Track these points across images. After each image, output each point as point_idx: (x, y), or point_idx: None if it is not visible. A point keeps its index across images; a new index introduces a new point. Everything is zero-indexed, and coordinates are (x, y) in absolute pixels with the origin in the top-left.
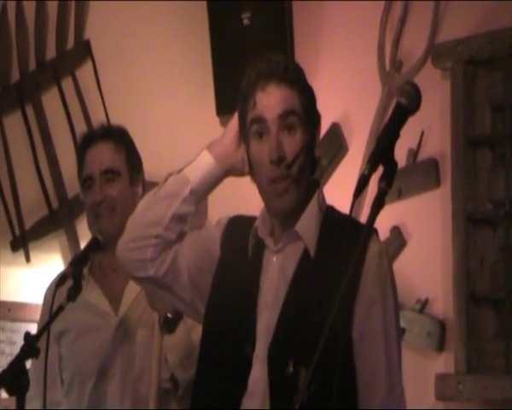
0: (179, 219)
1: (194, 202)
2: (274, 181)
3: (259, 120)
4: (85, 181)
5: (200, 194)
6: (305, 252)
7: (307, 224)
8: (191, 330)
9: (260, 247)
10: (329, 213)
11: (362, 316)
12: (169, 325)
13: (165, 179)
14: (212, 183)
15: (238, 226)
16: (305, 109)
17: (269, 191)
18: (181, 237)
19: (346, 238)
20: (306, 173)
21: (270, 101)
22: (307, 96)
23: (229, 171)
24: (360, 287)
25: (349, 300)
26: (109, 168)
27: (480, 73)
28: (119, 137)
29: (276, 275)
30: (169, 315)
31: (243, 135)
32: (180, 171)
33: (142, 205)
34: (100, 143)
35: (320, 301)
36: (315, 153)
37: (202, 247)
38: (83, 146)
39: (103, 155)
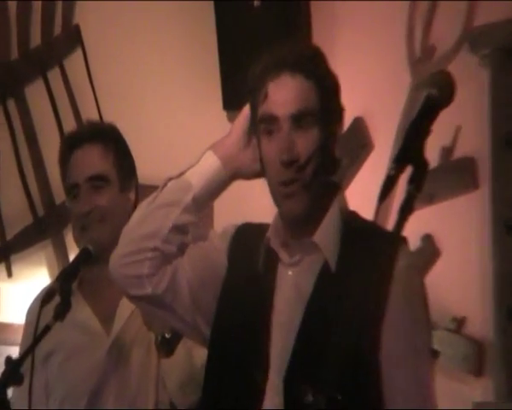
0: (180, 229)
1: (196, 210)
2: (283, 183)
3: (270, 118)
4: (70, 190)
5: (204, 201)
6: (325, 265)
7: (327, 233)
8: (192, 352)
9: (273, 260)
10: (352, 221)
11: (390, 337)
12: (167, 347)
13: (164, 185)
14: (217, 188)
15: (247, 236)
16: (324, 104)
17: (277, 193)
18: (182, 249)
19: (371, 249)
20: (322, 176)
21: (283, 95)
22: (327, 88)
23: (236, 174)
24: (388, 305)
25: (375, 320)
26: (96, 174)
27: None
28: (107, 138)
29: (291, 292)
30: (166, 335)
31: (254, 130)
32: (181, 175)
33: (137, 214)
34: (86, 146)
35: (342, 321)
36: (335, 152)
37: (206, 261)
38: (66, 149)
39: (89, 160)
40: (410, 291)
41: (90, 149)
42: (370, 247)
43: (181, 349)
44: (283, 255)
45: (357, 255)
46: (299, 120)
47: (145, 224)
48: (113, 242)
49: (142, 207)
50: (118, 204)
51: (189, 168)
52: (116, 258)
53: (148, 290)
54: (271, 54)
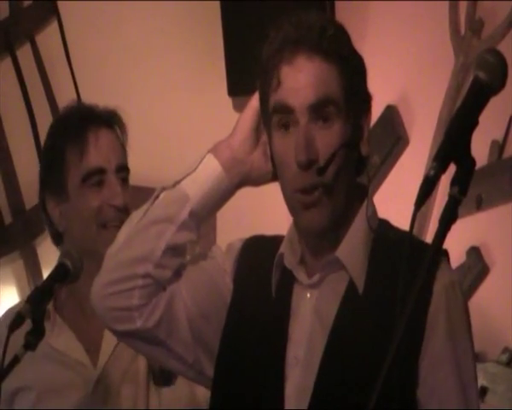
0: (176, 250)
1: (195, 226)
2: (301, 191)
3: (284, 108)
4: (92, 174)
5: (204, 215)
6: (351, 286)
7: (352, 247)
8: (195, 384)
9: (288, 281)
10: (382, 231)
11: (429, 371)
12: (166, 377)
13: (156, 196)
14: (219, 198)
15: (256, 253)
16: (348, 91)
17: (294, 202)
18: (178, 272)
19: (405, 265)
20: (347, 179)
21: (300, 81)
22: (352, 72)
23: (243, 180)
24: (426, 333)
25: (412, 350)
26: (125, 165)
27: None
28: (120, 127)
29: (309, 319)
30: None
31: (265, 123)
32: (176, 184)
33: (124, 232)
34: (105, 130)
35: (372, 352)
36: (362, 149)
37: (207, 284)
38: (83, 123)
39: (115, 146)
40: (452, 314)
41: (112, 135)
42: (405, 262)
43: (182, 380)
44: (300, 275)
45: (388, 273)
46: (318, 111)
47: (134, 244)
48: None
49: (131, 222)
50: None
51: (185, 176)
52: (99, 286)
53: (138, 324)
54: (286, 30)
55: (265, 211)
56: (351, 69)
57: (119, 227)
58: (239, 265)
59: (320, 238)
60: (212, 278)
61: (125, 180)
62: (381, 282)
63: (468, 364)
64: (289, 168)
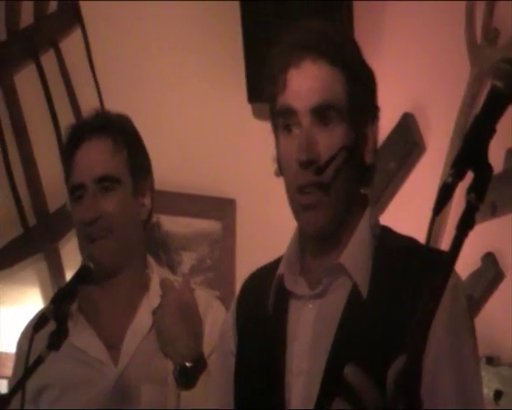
0: None
1: None
2: (300, 189)
3: (288, 111)
4: (74, 190)
5: None
6: (354, 292)
7: (356, 253)
8: None
9: (284, 296)
10: (385, 238)
11: (431, 370)
12: (187, 378)
13: None
14: None
15: (255, 285)
16: (353, 98)
17: (295, 203)
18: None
19: (409, 270)
20: (347, 183)
21: (304, 84)
22: (357, 80)
23: None
24: (430, 333)
25: (416, 354)
26: (106, 175)
27: None
28: (118, 131)
29: (312, 328)
30: (187, 364)
31: (272, 125)
32: None
33: None
34: (94, 140)
35: (376, 358)
36: (366, 158)
37: (230, 376)
38: (71, 143)
39: (98, 156)
40: (455, 314)
41: (99, 144)
42: (408, 268)
43: (203, 381)
44: (302, 289)
45: (392, 279)
46: (321, 114)
47: None
48: (120, 258)
49: None
50: (129, 211)
51: None
52: None
53: None
54: (294, 35)
55: (284, 233)
56: (357, 78)
57: (100, 240)
58: (239, 312)
59: (320, 241)
60: (229, 365)
61: (107, 190)
62: (386, 288)
63: (470, 364)
64: (291, 168)
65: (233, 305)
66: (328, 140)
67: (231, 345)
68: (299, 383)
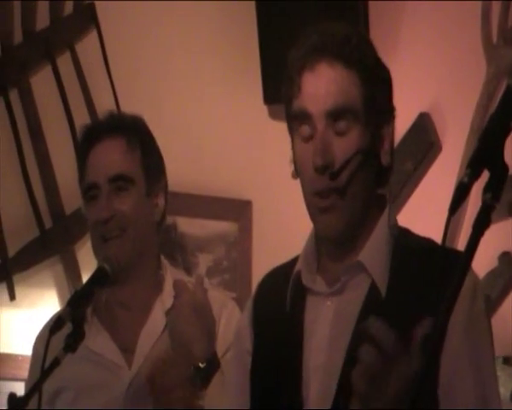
0: None
1: None
2: (317, 194)
3: (303, 114)
4: (88, 191)
5: None
6: (373, 290)
7: (375, 252)
8: None
9: (301, 293)
10: (403, 239)
11: (449, 369)
12: (201, 378)
13: None
14: None
15: (272, 283)
16: (368, 100)
17: (311, 206)
18: None
19: (428, 270)
20: (364, 185)
21: (319, 88)
22: (373, 82)
23: None
24: (447, 332)
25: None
26: (120, 174)
27: None
28: (132, 132)
29: (330, 325)
30: (201, 365)
31: (288, 127)
32: None
33: None
34: (107, 140)
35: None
36: (382, 159)
37: (246, 374)
38: (84, 144)
39: (112, 156)
40: (473, 315)
41: (112, 144)
42: (426, 268)
43: (218, 381)
44: (319, 286)
45: (410, 278)
46: (336, 117)
47: None
48: (134, 258)
49: None
50: (142, 211)
51: None
52: None
53: None
54: (311, 38)
55: (300, 234)
56: (373, 78)
57: (114, 239)
58: (256, 310)
59: (337, 244)
60: (246, 363)
61: (121, 189)
62: (403, 286)
63: (487, 364)
64: (307, 172)
65: (249, 303)
66: (344, 144)
67: (247, 344)
68: (316, 380)
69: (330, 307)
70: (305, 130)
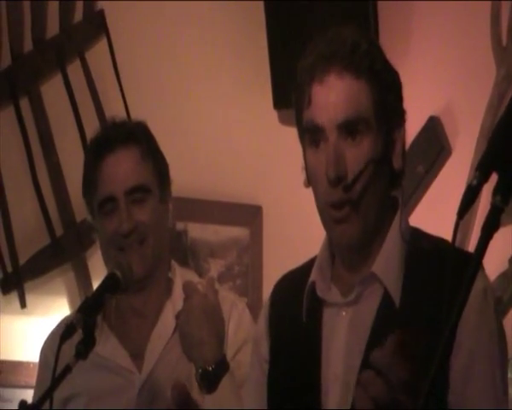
0: None
1: None
2: (332, 206)
3: (315, 127)
4: (104, 203)
5: None
6: (386, 299)
7: (388, 261)
8: (239, 390)
9: (318, 303)
10: (416, 241)
11: (459, 375)
12: (209, 382)
13: None
14: None
15: (287, 290)
16: (379, 108)
17: (325, 216)
18: None
19: (440, 274)
20: (377, 193)
21: (329, 99)
22: (383, 88)
23: None
24: (457, 336)
25: (445, 358)
26: (137, 185)
27: None
28: (142, 140)
29: (346, 335)
30: (209, 368)
31: (300, 137)
32: None
33: None
34: (120, 151)
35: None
36: (394, 163)
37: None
38: (95, 156)
39: (127, 168)
40: (483, 319)
41: (125, 154)
42: (439, 272)
43: (227, 384)
44: (334, 297)
45: (424, 284)
46: (347, 128)
47: None
48: (154, 266)
49: None
50: (159, 218)
51: None
52: None
53: None
54: (319, 47)
55: (311, 239)
56: (383, 84)
57: (135, 249)
58: (271, 317)
59: (353, 252)
60: (263, 370)
61: (139, 200)
62: (417, 294)
63: (498, 366)
64: (320, 183)
65: (265, 309)
66: (356, 154)
67: (264, 352)
68: (334, 391)
69: (345, 317)
70: (317, 141)
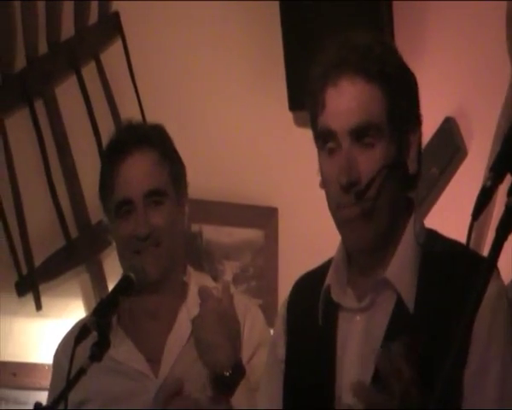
0: None
1: None
2: (343, 209)
3: (328, 132)
4: (120, 206)
5: None
6: (399, 305)
7: (401, 266)
8: (256, 396)
9: (333, 308)
10: (431, 244)
11: (472, 380)
12: (226, 386)
13: None
14: None
15: (304, 291)
16: (393, 112)
17: (338, 218)
18: None
19: (454, 278)
20: (391, 198)
21: (342, 105)
22: (397, 92)
23: None
24: (471, 341)
25: (458, 362)
26: (155, 189)
27: None
28: (159, 143)
29: (360, 341)
30: (226, 373)
31: (315, 140)
32: None
33: None
34: (137, 154)
35: (422, 371)
36: (409, 167)
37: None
38: (112, 158)
39: (145, 171)
40: (497, 323)
41: (143, 158)
42: (454, 276)
43: (242, 391)
44: (349, 302)
45: (438, 289)
46: (360, 134)
47: None
48: (169, 269)
49: None
50: (175, 221)
51: None
52: None
53: None
54: (332, 51)
55: (326, 241)
56: (396, 89)
57: (150, 252)
58: (288, 319)
59: (366, 256)
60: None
61: (156, 204)
62: (431, 299)
63: (511, 370)
64: (333, 187)
65: (282, 310)
66: (369, 159)
67: (281, 352)
68: (349, 397)
69: (359, 322)
70: (330, 146)
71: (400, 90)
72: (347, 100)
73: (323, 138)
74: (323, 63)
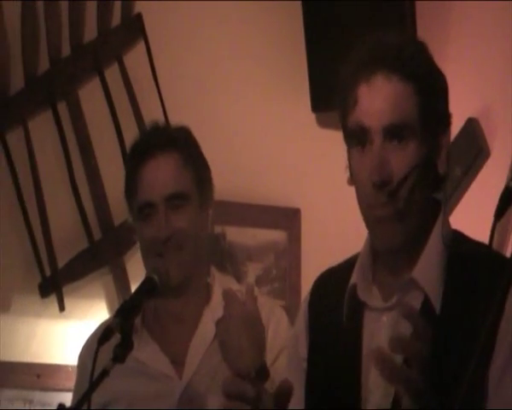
0: None
1: None
2: (374, 208)
3: (360, 128)
4: (143, 208)
5: None
6: (426, 306)
7: (428, 267)
8: None
9: (358, 307)
10: (457, 246)
11: (497, 375)
12: None
13: None
14: None
15: (327, 289)
16: (426, 112)
17: (368, 217)
18: None
19: (481, 280)
20: (421, 198)
21: (376, 102)
22: (430, 93)
23: None
24: (497, 341)
25: (484, 365)
26: (177, 193)
27: None
28: (183, 146)
29: (386, 341)
30: (250, 376)
31: (344, 138)
32: None
33: None
34: (161, 156)
35: (449, 373)
36: (439, 168)
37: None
38: (136, 159)
39: (167, 174)
40: None
41: (166, 161)
42: (480, 277)
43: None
44: (375, 301)
45: (465, 290)
46: (393, 132)
47: None
48: (192, 272)
49: None
50: (198, 224)
51: None
52: None
53: None
54: (365, 49)
55: (349, 242)
56: (429, 89)
57: (173, 255)
58: (311, 316)
59: (394, 255)
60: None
61: (178, 207)
62: (458, 300)
63: None
64: (364, 185)
65: (304, 307)
66: (401, 158)
67: (303, 350)
68: (375, 398)
69: (386, 322)
70: (362, 143)
71: (432, 91)
72: (381, 97)
73: (355, 134)
74: (355, 61)
